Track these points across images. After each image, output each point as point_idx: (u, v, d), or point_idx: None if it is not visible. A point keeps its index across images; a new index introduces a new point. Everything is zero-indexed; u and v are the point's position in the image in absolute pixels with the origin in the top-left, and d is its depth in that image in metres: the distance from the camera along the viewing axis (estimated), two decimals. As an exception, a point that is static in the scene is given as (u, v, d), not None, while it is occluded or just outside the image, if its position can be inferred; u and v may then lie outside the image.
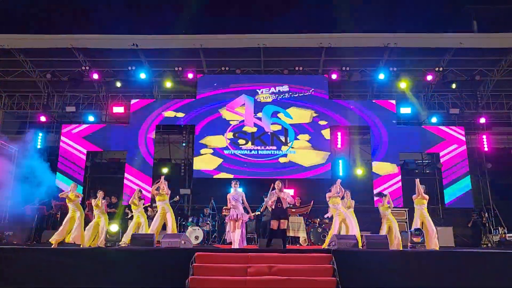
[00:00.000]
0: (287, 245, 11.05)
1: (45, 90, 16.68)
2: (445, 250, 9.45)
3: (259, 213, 11.68)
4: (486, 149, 15.33)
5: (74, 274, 6.93)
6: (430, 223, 9.41)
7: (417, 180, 9.77)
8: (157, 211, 9.95)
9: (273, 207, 8.76)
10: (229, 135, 15.13)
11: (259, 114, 15.30)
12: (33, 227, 12.31)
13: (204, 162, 14.87)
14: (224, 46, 15.34)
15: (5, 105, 17.20)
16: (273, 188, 8.89)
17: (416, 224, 9.42)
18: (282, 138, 15.07)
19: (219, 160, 14.87)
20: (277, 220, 8.65)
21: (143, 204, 10.51)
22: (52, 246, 9.22)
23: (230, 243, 9.19)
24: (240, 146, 15.01)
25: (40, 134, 15.51)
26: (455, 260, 7.12)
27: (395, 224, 9.75)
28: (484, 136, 15.43)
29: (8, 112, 17.29)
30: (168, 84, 15.53)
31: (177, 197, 12.19)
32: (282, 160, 14.88)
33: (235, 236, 8.94)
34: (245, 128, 15.19)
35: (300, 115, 15.27)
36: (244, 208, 9.33)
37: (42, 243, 11.56)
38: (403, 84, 15.33)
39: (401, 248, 9.27)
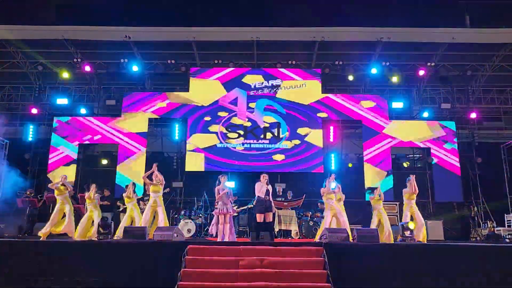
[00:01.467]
0: (279, 238, 11.19)
1: (37, 82, 16.54)
2: (434, 243, 9.59)
3: (251, 206, 11.75)
4: (476, 143, 15.53)
5: (66, 267, 6.94)
6: (419, 216, 9.61)
7: (413, 177, 9.91)
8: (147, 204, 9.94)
9: (260, 199, 8.87)
10: (222, 128, 15.13)
11: (252, 108, 15.31)
12: (25, 219, 12.28)
13: (196, 157, 14.86)
14: (217, 39, 15.31)
15: (-5, 97, 17.06)
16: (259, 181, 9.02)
17: (406, 217, 9.57)
18: (275, 132, 15.10)
19: (210, 154, 14.87)
20: (262, 213, 8.75)
21: (136, 197, 10.49)
22: (41, 239, 9.21)
23: (215, 236, 9.20)
24: (233, 140, 15.02)
25: (31, 127, 15.40)
26: (444, 253, 7.22)
27: (385, 217, 9.85)
28: (475, 131, 15.61)
29: (-1, 104, 17.15)
30: (159, 76, 15.51)
31: (167, 189, 12.16)
32: (274, 153, 14.92)
33: (226, 229, 8.97)
34: (237, 122, 15.20)
35: (293, 109, 15.33)
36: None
37: (34, 236, 11.53)
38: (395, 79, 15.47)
39: (392, 241, 9.38)
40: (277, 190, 12.32)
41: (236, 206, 11.94)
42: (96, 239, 9.38)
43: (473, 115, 15.71)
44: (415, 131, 15.26)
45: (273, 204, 9.13)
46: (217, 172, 13.97)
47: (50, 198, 12.02)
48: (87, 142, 15.17)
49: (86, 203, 10.01)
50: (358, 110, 15.41)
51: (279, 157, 14.88)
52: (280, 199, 12.02)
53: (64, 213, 9.82)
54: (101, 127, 15.13)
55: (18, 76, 16.52)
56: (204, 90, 15.49)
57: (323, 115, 15.33)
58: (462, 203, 14.85)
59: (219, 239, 8.89)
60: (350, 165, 15.78)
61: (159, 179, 9.70)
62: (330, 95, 15.67)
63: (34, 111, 15.47)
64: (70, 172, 14.14)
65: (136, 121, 15.16)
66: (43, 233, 9.53)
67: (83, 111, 15.65)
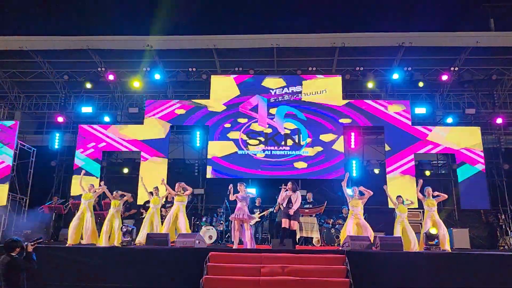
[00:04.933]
0: (300, 246, 11.13)
1: (62, 91, 16.98)
2: (460, 252, 9.37)
3: (270, 211, 11.77)
4: (502, 149, 15.14)
5: (90, 272, 7.06)
6: (441, 224, 9.43)
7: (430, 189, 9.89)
8: (170, 211, 10.06)
9: (284, 206, 8.88)
10: (242, 135, 15.17)
11: (273, 114, 15.31)
12: (51, 226, 12.55)
13: (216, 164, 14.93)
14: (237, 47, 15.42)
15: (23, 105, 17.55)
16: (286, 190, 9.03)
17: (427, 225, 9.41)
18: (296, 139, 15.06)
19: (231, 161, 14.92)
20: (287, 219, 8.75)
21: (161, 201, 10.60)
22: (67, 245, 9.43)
23: (234, 243, 9.23)
24: (253, 146, 15.03)
25: (57, 135, 15.84)
26: (470, 262, 7.06)
27: (408, 225, 9.73)
28: (501, 136, 15.23)
29: (26, 113, 17.64)
30: (180, 83, 15.72)
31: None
32: (295, 160, 14.86)
33: (245, 236, 8.98)
34: (258, 128, 15.22)
35: (314, 116, 15.28)
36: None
37: (59, 241, 11.77)
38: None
39: (417, 250, 9.21)
40: (307, 197, 12.29)
41: (258, 212, 11.95)
42: (119, 245, 9.51)
43: (499, 120, 15.31)
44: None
45: (298, 211, 9.14)
46: (238, 179, 14.00)
47: (75, 205, 12.28)
48: (108, 149, 15.47)
49: (111, 209, 10.14)
50: (380, 115, 15.21)
51: (300, 164, 14.80)
52: (308, 205, 11.97)
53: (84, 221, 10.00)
54: (123, 134, 15.38)
55: (45, 85, 16.98)
56: (225, 95, 15.56)
57: (345, 121, 15.21)
58: (489, 211, 14.46)
59: (234, 246, 8.92)
60: None
61: (184, 188, 9.90)
62: (351, 101, 15.55)
63: (60, 119, 15.88)
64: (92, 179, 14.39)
65: (157, 128, 15.35)
66: (70, 243, 9.68)
67: (106, 119, 15.99)
